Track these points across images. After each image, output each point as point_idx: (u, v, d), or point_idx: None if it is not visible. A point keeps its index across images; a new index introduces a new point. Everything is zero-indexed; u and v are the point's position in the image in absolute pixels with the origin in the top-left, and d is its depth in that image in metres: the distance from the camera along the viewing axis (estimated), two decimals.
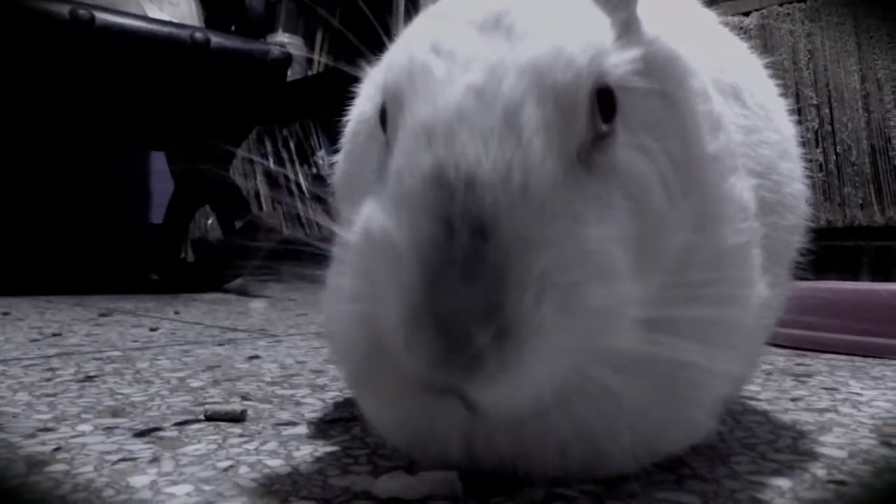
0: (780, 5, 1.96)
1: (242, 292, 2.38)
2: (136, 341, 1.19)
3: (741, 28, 1.99)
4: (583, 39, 0.40)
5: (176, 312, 1.70)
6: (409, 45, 0.42)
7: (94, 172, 2.82)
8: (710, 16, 0.64)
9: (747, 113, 0.56)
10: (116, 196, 3.06)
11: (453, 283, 0.34)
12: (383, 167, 0.43)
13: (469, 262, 0.34)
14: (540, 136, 0.37)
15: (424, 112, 0.38)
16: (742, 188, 0.50)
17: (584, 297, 0.36)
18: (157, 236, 2.84)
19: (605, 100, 0.40)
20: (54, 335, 1.25)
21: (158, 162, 3.01)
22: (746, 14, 2.01)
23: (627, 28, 0.44)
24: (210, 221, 3.30)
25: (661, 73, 0.45)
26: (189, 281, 2.48)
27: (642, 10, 0.46)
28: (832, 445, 0.58)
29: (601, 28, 0.42)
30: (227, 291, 2.42)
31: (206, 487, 0.47)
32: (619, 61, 0.42)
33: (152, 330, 1.34)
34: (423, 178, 0.36)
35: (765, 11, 1.99)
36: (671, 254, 0.43)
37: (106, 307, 1.77)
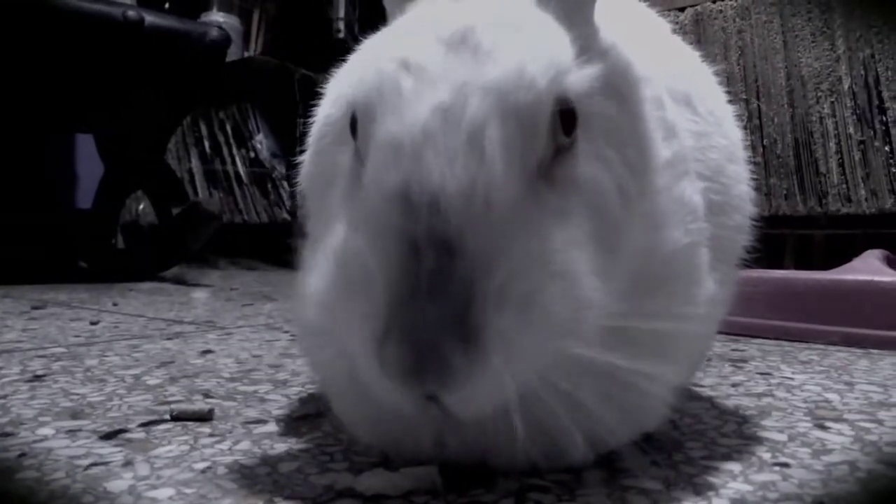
0: (714, 2, 2.04)
1: (180, 281, 2.32)
2: (78, 336, 1.15)
3: (676, 23, 2.06)
4: (545, 59, 0.42)
5: (114, 304, 1.64)
6: (379, 57, 0.43)
7: (17, 155, 2.67)
8: (664, 25, 0.68)
9: (698, 119, 0.59)
10: (42, 180, 2.91)
11: (420, 301, 0.36)
12: (355, 176, 0.44)
13: (435, 280, 0.36)
14: (502, 155, 0.39)
15: (393, 128, 0.40)
16: (692, 191, 0.54)
17: (542, 301, 0.38)
18: (85, 222, 2.72)
19: (566, 115, 0.42)
20: None
21: (86, 144, 2.88)
22: (682, 10, 2.09)
23: (587, 44, 0.46)
24: (142, 206, 3.18)
25: (619, 84, 0.47)
26: (120, 269, 2.40)
27: (599, 20, 0.48)
28: (773, 429, 0.62)
29: (562, 47, 0.44)
30: (163, 280, 2.35)
31: (188, 490, 0.47)
32: (580, 79, 0.44)
33: (93, 324, 1.30)
34: (390, 198, 0.38)
35: (699, 8, 2.06)
36: (631, 257, 0.46)
37: (38, 299, 1.70)
